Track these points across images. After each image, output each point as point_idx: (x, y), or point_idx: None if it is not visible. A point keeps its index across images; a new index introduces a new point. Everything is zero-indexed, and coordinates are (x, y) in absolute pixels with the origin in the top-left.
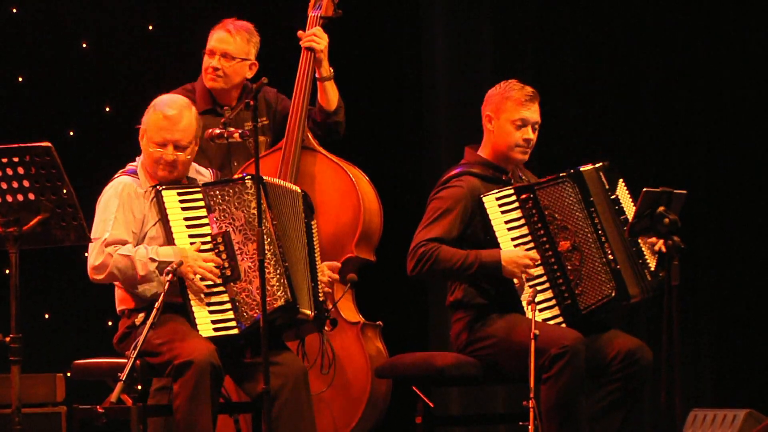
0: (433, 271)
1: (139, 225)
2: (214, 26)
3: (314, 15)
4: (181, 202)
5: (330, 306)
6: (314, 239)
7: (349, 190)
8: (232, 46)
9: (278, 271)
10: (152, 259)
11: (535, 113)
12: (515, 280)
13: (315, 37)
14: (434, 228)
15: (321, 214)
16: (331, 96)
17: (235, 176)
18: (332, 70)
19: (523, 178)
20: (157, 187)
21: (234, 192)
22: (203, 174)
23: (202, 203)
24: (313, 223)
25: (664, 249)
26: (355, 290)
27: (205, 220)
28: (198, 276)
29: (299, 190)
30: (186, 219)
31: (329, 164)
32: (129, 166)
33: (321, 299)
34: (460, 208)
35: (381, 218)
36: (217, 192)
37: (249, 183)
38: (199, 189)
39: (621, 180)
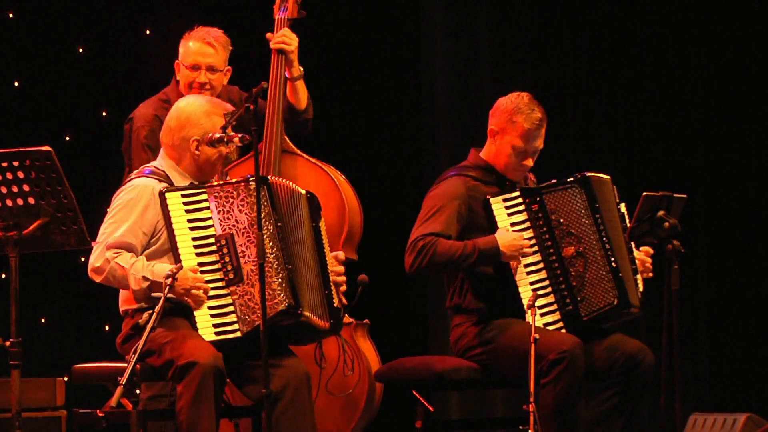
0: (433, 263)
1: (151, 226)
2: (185, 35)
3: (281, 17)
4: (185, 204)
5: (346, 304)
6: (324, 242)
7: (331, 191)
8: (215, 59)
9: (281, 275)
10: (145, 278)
11: (538, 140)
12: (512, 265)
13: (285, 38)
14: (430, 224)
15: None
16: (301, 95)
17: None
18: (302, 69)
19: (530, 176)
20: (162, 189)
21: (238, 194)
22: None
23: (206, 204)
24: (321, 224)
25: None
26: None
27: (209, 222)
28: (189, 295)
29: (303, 191)
30: (189, 221)
31: (310, 166)
32: (146, 167)
33: (335, 305)
34: (455, 205)
35: (362, 216)
36: (222, 194)
37: (253, 185)
38: (203, 190)
39: (623, 204)
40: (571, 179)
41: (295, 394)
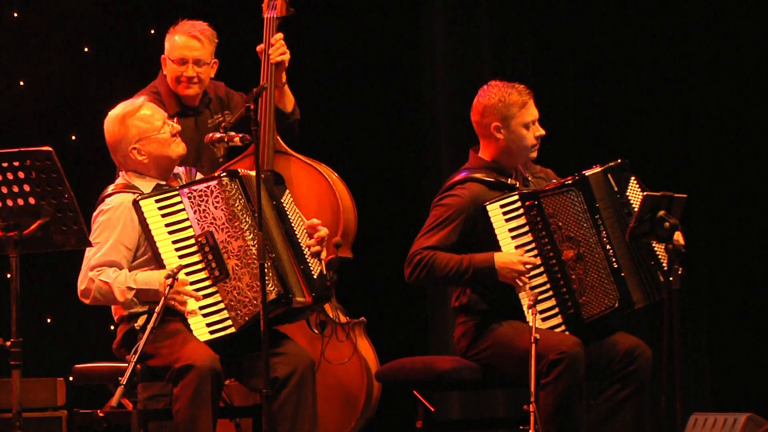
0: (430, 278)
1: (133, 240)
2: (171, 30)
3: (269, 16)
4: (161, 209)
5: (332, 274)
6: (289, 217)
7: (325, 190)
8: (202, 52)
9: (266, 264)
10: (129, 288)
11: (535, 107)
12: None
13: (282, 48)
14: (433, 237)
15: None
16: (288, 97)
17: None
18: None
19: (529, 179)
20: (134, 198)
21: (211, 191)
22: (179, 174)
23: (181, 206)
24: (284, 200)
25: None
26: (341, 291)
27: (188, 223)
28: (177, 300)
29: (252, 173)
30: (167, 225)
31: (303, 167)
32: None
33: (315, 276)
34: (462, 219)
35: (355, 214)
36: (195, 193)
37: (225, 181)
38: (176, 192)
39: (633, 178)
40: (570, 181)
41: (300, 381)
